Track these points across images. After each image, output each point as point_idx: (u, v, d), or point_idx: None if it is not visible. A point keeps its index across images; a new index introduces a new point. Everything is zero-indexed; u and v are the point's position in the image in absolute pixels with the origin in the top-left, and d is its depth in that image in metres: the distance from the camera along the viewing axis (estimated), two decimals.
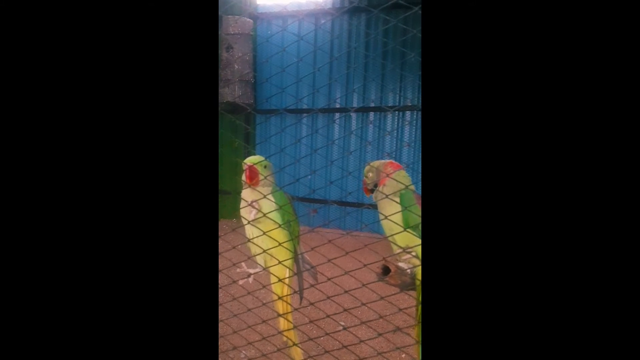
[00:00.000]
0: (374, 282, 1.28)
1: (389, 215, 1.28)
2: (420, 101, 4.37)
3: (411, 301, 1.48)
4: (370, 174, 1.45)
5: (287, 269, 1.50)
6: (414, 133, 4.53)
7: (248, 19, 4.52)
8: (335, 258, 1.28)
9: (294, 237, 1.50)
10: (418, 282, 1.41)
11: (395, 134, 4.56)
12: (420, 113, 4.44)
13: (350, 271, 1.23)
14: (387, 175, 1.38)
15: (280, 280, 1.48)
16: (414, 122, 4.48)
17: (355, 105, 4.68)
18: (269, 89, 4.77)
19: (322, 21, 4.67)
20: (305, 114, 4.75)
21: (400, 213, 1.32)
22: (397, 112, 4.49)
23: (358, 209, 4.42)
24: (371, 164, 1.47)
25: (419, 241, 1.32)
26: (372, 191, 1.46)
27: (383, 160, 1.49)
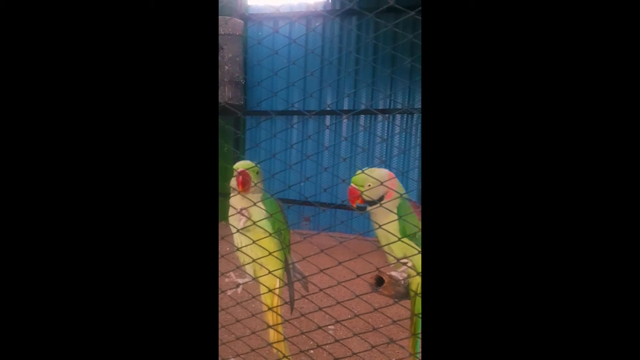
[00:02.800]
0: (367, 293, 1.25)
1: (385, 225, 1.23)
2: (410, 104, 4.37)
3: (405, 313, 1.45)
4: (369, 184, 1.30)
5: (278, 279, 1.45)
6: (404, 139, 4.51)
7: (239, 20, 4.46)
8: (327, 268, 1.24)
9: (285, 246, 1.46)
10: (412, 293, 1.38)
11: (387, 140, 4.54)
12: (411, 117, 4.43)
13: (343, 282, 1.19)
14: (395, 190, 1.30)
15: (270, 290, 1.43)
16: (404, 126, 4.47)
17: (346, 109, 4.65)
18: (259, 92, 4.72)
19: (314, 24, 4.64)
20: (296, 116, 4.71)
21: (397, 222, 1.28)
22: (388, 117, 4.47)
23: (350, 216, 4.38)
24: (369, 174, 1.32)
25: (416, 251, 1.28)
26: (371, 203, 1.32)
27: (382, 170, 1.35)
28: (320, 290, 1.28)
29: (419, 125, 4.39)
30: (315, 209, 4.33)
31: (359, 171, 1.35)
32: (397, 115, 4.47)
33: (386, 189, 1.30)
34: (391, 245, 1.31)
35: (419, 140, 4.39)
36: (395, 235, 1.23)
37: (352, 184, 1.34)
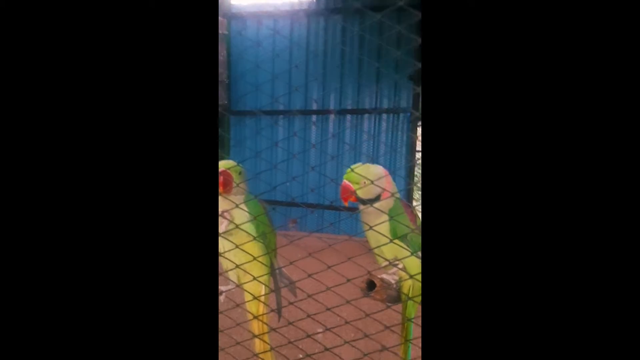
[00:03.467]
0: (358, 298, 1.19)
1: (376, 226, 1.17)
2: (396, 99, 4.34)
3: (398, 318, 1.39)
4: (364, 182, 1.21)
5: (263, 286, 1.38)
6: (391, 136, 4.48)
7: (221, 18, 4.38)
8: (316, 273, 1.18)
9: (270, 250, 1.38)
10: (404, 297, 1.33)
11: (373, 137, 4.50)
12: (398, 116, 4.41)
13: (332, 287, 1.13)
14: (390, 190, 1.23)
15: (255, 297, 1.36)
16: (392, 123, 4.44)
17: (332, 107, 4.58)
18: (243, 88, 4.62)
19: (299, 22, 4.57)
20: (281, 115, 4.63)
21: (387, 223, 1.21)
22: (375, 115, 4.43)
23: (339, 217, 4.33)
24: (364, 171, 1.22)
25: (408, 252, 1.22)
26: (364, 202, 1.24)
27: (377, 167, 1.27)
28: (309, 296, 1.22)
29: (407, 123, 4.37)
30: (302, 210, 4.26)
31: (352, 166, 1.25)
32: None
33: (382, 188, 1.22)
34: (382, 247, 1.25)
35: (406, 137, 4.37)
36: (387, 237, 1.17)
37: (345, 181, 1.24)
